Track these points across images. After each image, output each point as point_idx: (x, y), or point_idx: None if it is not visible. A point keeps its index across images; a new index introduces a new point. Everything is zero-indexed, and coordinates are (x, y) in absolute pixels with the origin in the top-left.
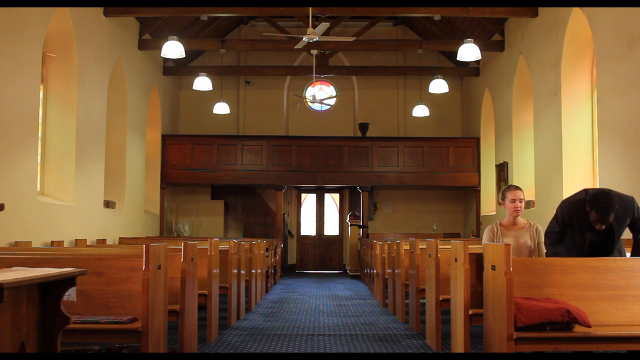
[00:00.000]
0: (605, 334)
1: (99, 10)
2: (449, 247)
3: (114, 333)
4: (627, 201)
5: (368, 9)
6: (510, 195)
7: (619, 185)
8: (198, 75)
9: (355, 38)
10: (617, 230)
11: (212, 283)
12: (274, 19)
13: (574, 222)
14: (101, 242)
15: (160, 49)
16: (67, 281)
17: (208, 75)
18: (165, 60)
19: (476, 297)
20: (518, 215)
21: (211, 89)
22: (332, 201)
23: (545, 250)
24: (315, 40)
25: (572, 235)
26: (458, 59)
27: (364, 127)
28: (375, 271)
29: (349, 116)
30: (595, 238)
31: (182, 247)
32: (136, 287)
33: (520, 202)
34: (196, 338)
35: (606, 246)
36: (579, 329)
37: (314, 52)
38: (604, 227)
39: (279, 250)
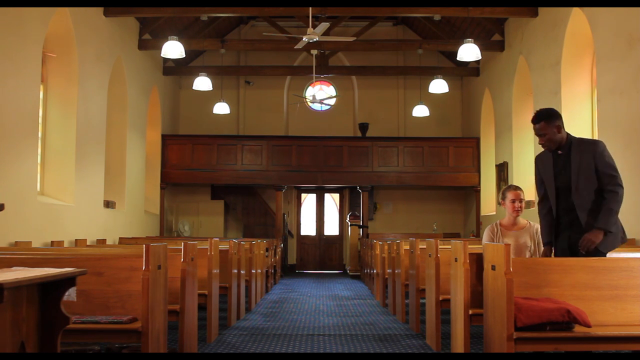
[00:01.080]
0: (605, 334)
1: (99, 10)
2: (449, 247)
3: (114, 333)
4: (589, 140)
5: (368, 9)
6: (510, 195)
7: None
8: (198, 75)
9: (355, 38)
10: (574, 165)
11: (212, 283)
12: (274, 19)
13: (541, 171)
14: (101, 242)
15: (160, 49)
16: (67, 281)
17: (208, 75)
18: (165, 60)
19: (476, 297)
20: (518, 215)
21: (211, 89)
22: (332, 201)
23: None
24: (315, 40)
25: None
26: (458, 59)
27: (364, 127)
28: (375, 271)
29: (349, 116)
30: (559, 180)
31: (182, 247)
32: (136, 287)
33: (521, 202)
34: (196, 338)
35: (569, 187)
36: (579, 329)
37: (314, 52)
38: (541, 138)
39: (279, 250)
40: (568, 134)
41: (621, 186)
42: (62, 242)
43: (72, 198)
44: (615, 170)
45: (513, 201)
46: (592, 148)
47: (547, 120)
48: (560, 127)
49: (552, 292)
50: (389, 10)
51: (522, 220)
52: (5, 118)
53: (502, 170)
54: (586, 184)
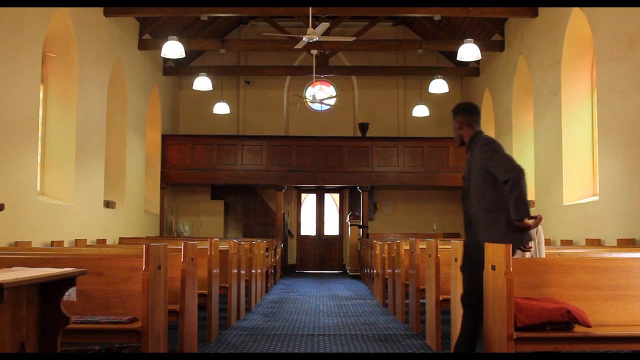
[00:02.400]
0: (605, 334)
1: (99, 10)
2: (449, 247)
3: (114, 333)
4: (483, 141)
5: (368, 9)
6: None
7: (619, 185)
8: (198, 75)
9: (355, 38)
10: (467, 168)
11: (212, 283)
12: (274, 19)
13: None
14: (101, 242)
15: (160, 49)
16: (67, 281)
17: (208, 75)
18: (165, 60)
19: None
20: None
21: (211, 89)
22: (332, 201)
23: (544, 250)
24: (315, 40)
25: None
26: (458, 59)
27: (364, 127)
28: (375, 271)
29: (349, 116)
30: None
31: (182, 247)
32: (136, 287)
33: None
34: (196, 338)
35: (467, 190)
36: (579, 329)
37: (314, 52)
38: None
39: (279, 250)
40: (477, 133)
41: (516, 169)
42: (62, 242)
43: (72, 198)
44: (499, 157)
45: None
46: (479, 148)
47: (453, 113)
48: (462, 123)
49: (552, 292)
50: (388, 10)
51: None
52: (5, 118)
53: None
54: (475, 191)
